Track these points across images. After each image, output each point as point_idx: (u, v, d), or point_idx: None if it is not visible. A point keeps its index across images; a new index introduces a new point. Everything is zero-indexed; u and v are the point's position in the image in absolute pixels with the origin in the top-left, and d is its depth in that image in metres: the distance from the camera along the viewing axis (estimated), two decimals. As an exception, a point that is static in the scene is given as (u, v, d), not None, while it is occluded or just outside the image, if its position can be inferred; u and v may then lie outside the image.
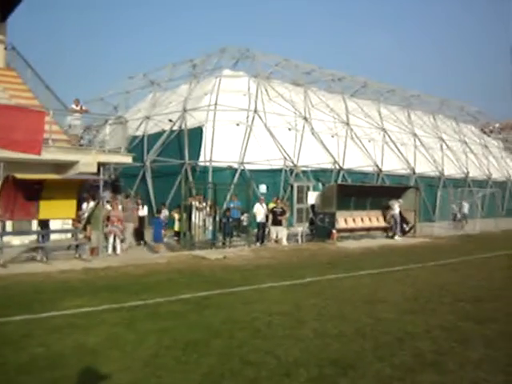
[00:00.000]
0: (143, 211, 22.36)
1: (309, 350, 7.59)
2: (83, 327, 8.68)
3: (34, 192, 16.94)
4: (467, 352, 7.61)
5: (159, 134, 32.27)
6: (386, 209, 27.93)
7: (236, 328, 8.74)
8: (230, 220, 22.76)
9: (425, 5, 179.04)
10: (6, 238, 16.85)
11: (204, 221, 21.62)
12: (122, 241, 19.55)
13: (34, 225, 18.43)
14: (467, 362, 7.15)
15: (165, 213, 21.58)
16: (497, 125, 62.06)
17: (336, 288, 12.87)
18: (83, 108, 23.48)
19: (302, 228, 24.90)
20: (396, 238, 26.66)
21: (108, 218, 19.04)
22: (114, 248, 19.08)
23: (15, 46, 26.46)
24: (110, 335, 8.20)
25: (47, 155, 18.49)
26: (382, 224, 28.21)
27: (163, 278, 14.14)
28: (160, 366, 6.83)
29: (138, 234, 21.74)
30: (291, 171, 31.07)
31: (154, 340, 7.95)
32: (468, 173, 45.02)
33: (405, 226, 27.72)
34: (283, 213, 23.45)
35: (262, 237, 23.64)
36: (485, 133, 59.34)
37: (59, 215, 17.61)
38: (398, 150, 39.90)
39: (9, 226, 18.30)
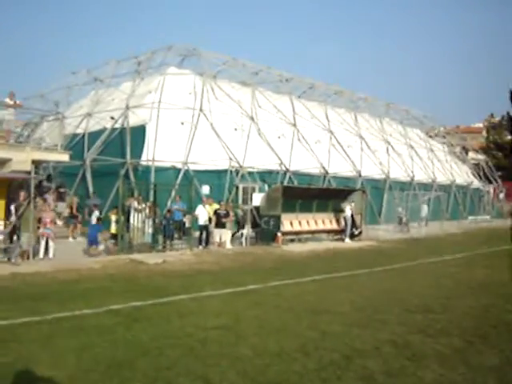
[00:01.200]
0: None
1: (246, 372, 6.78)
2: (-7, 345, 7.70)
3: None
4: (420, 372, 6.94)
5: (101, 132, 31.02)
6: (338, 211, 27.68)
7: (167, 345, 7.88)
8: (171, 222, 21.89)
9: (367, 9, 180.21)
10: None
11: (143, 223, 20.65)
12: None
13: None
14: (420, 385, 6.48)
15: (95, 214, 20.41)
16: (442, 128, 62.56)
17: (279, 296, 12.15)
18: (17, 102, 22.20)
19: (246, 231, 24.20)
20: (346, 240, 26.42)
21: (39, 220, 17.91)
22: (46, 251, 17.97)
23: None
24: (22, 355, 7.23)
25: (-23, 152, 17.27)
26: (328, 227, 27.85)
27: (95, 285, 13.16)
28: (74, 393, 5.95)
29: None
30: (237, 172, 30.25)
31: (72, 360, 7.04)
32: (414, 176, 45.05)
33: (354, 229, 27.36)
34: (227, 215, 22.70)
35: (205, 240, 22.85)
36: (430, 137, 59.72)
37: (-14, 216, 16.49)
38: (345, 152, 39.53)
39: None
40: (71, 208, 25.49)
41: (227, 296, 12.20)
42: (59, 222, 24.26)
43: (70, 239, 23.44)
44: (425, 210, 38.19)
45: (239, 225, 24.81)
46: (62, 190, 27.77)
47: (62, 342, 7.89)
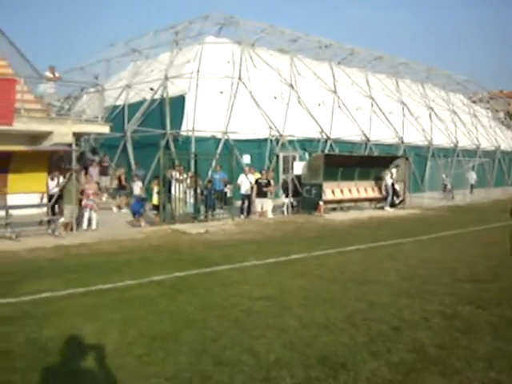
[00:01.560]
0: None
1: (293, 344, 6.61)
2: (40, 317, 7.66)
3: (1, 165, 15.93)
4: (473, 345, 6.65)
5: (140, 103, 31.04)
6: (380, 179, 27.31)
7: (212, 316, 7.77)
8: (213, 192, 21.83)
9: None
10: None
11: (185, 193, 20.61)
12: None
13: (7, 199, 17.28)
14: (475, 358, 6.18)
15: (138, 184, 20.36)
16: (485, 93, 61.03)
17: (324, 266, 11.93)
18: (57, 75, 22.21)
19: (288, 199, 24.00)
20: (386, 208, 26.07)
21: (82, 192, 18.01)
22: (90, 222, 18.09)
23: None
24: (68, 327, 7.18)
25: (19, 125, 17.31)
26: (371, 195, 27.47)
27: (138, 255, 13.17)
28: (118, 367, 5.80)
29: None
30: (277, 141, 29.99)
31: (116, 333, 6.95)
32: (457, 142, 44.17)
33: (395, 198, 26.93)
34: (268, 184, 22.53)
35: (247, 209, 22.77)
36: (473, 102, 58.40)
37: (29, 189, 16.60)
38: (387, 118, 38.87)
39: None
40: (119, 179, 25.65)
41: (270, 266, 12.04)
42: (103, 198, 24.55)
43: (114, 209, 23.54)
44: (473, 176, 37.47)
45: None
46: (105, 163, 27.95)
47: (106, 315, 7.84)
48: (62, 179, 17.44)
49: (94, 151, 30.58)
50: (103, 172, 27.12)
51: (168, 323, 7.44)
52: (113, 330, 7.08)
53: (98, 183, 23.25)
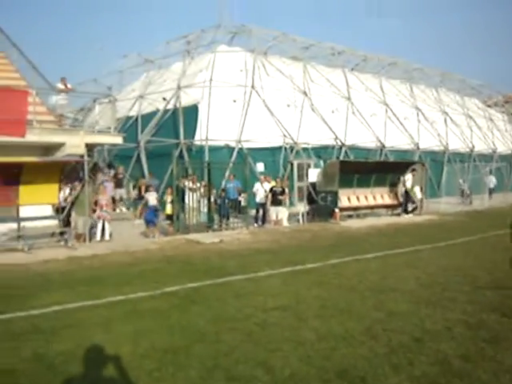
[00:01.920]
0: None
1: (310, 357, 6.32)
2: (48, 332, 7.43)
3: (12, 176, 15.79)
4: (500, 355, 6.33)
5: (153, 114, 31.03)
6: (395, 186, 27.03)
7: (224, 329, 7.50)
8: (227, 201, 21.62)
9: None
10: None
11: (199, 202, 20.41)
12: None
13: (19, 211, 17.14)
14: (502, 370, 5.87)
15: (153, 195, 20.14)
16: (500, 97, 60.47)
17: (340, 275, 11.63)
18: (69, 87, 22.16)
19: (303, 207, 23.75)
20: (403, 215, 25.74)
21: (96, 203, 17.87)
22: (103, 233, 17.94)
23: (2, 27, 25.09)
24: (78, 342, 6.94)
25: (32, 137, 17.32)
26: (387, 201, 27.11)
27: (151, 266, 12.94)
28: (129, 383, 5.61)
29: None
30: (291, 148, 29.78)
31: (129, 347, 6.70)
32: (473, 147, 43.70)
33: (409, 205, 26.52)
34: (283, 192, 22.29)
35: (261, 218, 22.55)
36: (489, 106, 57.85)
37: (41, 200, 16.44)
38: (401, 124, 38.51)
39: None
40: (140, 190, 25.57)
41: (286, 275, 11.76)
42: (118, 210, 24.42)
43: (137, 221, 23.11)
44: (492, 180, 37.05)
45: None
46: (120, 175, 27.87)
47: (118, 328, 7.60)
48: (68, 191, 17.32)
49: (109, 165, 30.53)
50: (118, 184, 27.00)
51: (180, 336, 7.18)
52: (126, 344, 6.83)
53: (113, 198, 23.19)
